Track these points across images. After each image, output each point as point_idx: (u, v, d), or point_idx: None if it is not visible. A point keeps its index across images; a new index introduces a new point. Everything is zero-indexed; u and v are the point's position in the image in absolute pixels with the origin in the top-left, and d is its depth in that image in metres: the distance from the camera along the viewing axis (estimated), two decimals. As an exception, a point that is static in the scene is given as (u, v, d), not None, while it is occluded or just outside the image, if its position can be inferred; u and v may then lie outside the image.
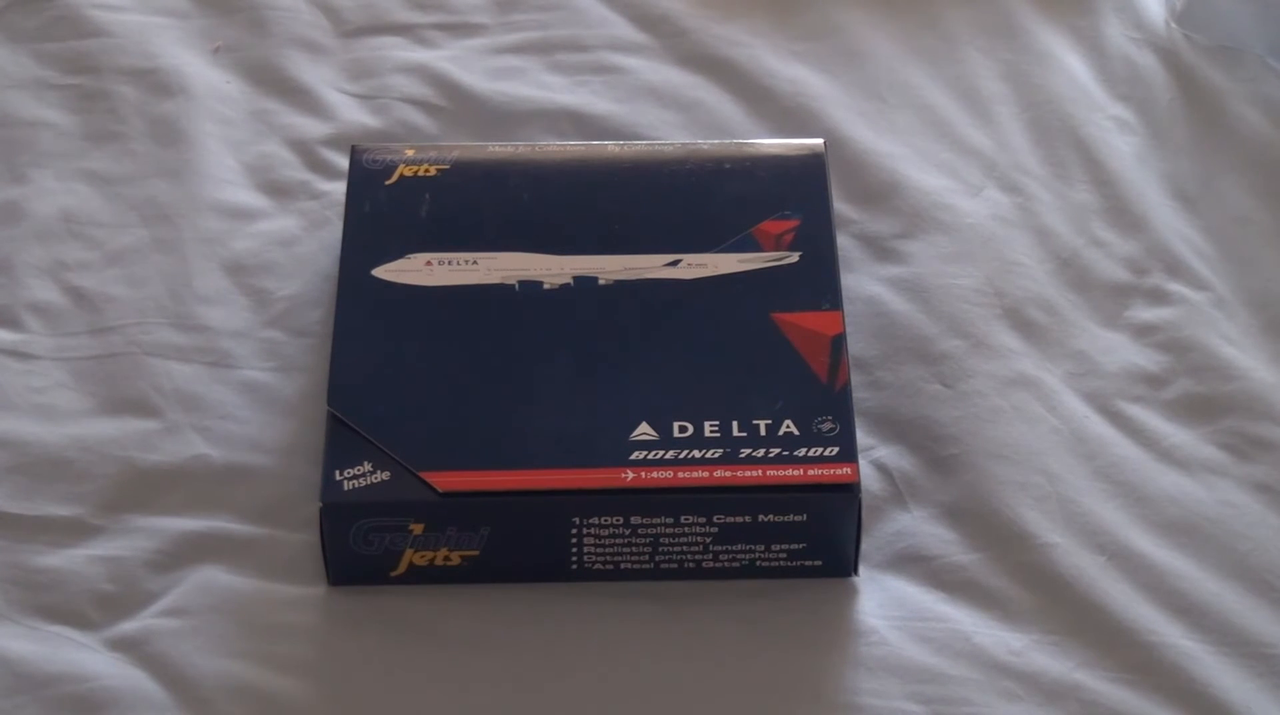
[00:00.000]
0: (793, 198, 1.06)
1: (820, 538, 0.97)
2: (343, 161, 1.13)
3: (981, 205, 1.13)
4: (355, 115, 1.18)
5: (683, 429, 0.97)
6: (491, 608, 0.97)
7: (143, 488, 1.01)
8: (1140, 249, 1.12)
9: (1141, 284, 1.10)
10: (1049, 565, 0.98)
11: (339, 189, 1.12)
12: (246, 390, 1.05)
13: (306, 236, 1.12)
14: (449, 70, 1.20)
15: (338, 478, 0.95)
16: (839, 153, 1.15)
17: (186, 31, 1.22)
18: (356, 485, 0.95)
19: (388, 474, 0.95)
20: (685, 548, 0.97)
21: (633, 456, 0.96)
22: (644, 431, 0.97)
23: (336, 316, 1.01)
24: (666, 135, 1.16)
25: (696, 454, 0.96)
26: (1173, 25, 1.22)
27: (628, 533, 0.96)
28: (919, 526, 1.00)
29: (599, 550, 0.97)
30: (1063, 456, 1.02)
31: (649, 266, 1.03)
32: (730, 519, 0.96)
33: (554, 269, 1.03)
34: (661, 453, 0.96)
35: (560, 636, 0.96)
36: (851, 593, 0.98)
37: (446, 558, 0.96)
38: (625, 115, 1.18)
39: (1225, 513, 1.00)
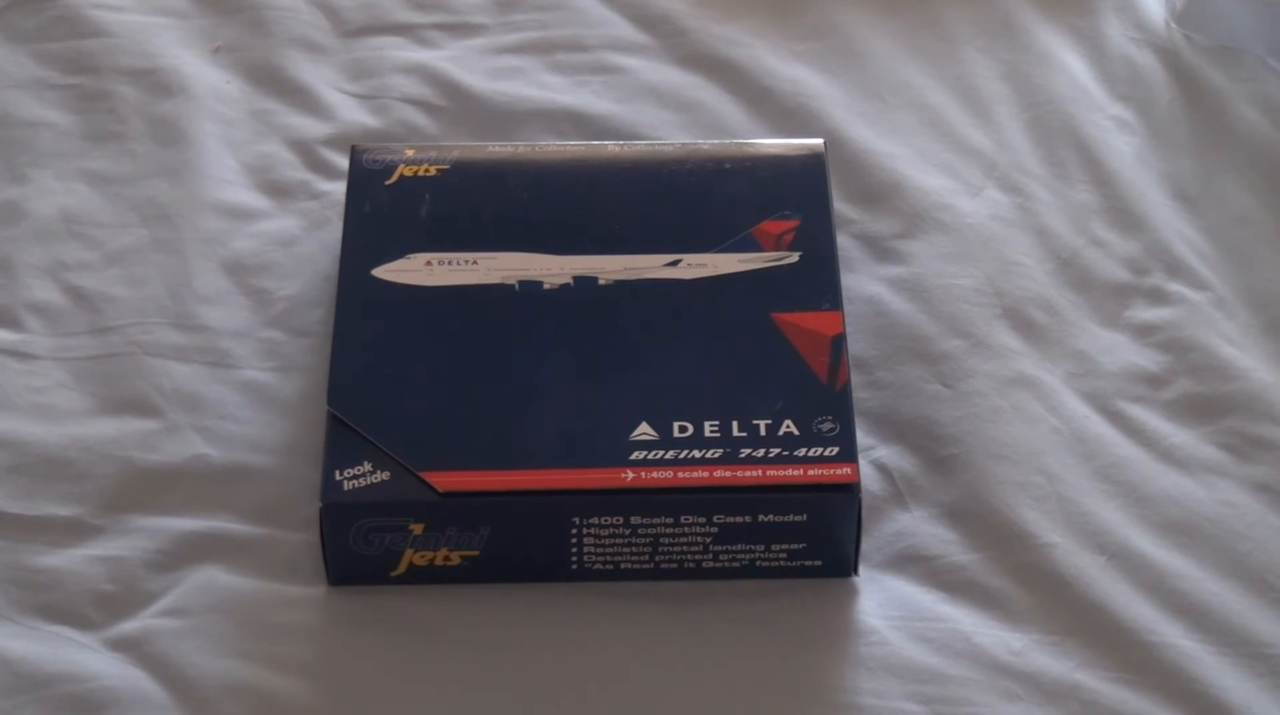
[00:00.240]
0: (793, 198, 1.06)
1: (820, 538, 0.97)
2: (343, 161, 1.13)
3: (981, 205, 1.13)
4: (355, 115, 1.18)
5: (683, 429, 0.97)
6: (491, 608, 0.97)
7: (143, 488, 1.01)
8: (1140, 249, 1.12)
9: (1141, 284, 1.10)
10: (1049, 565, 0.98)
11: (339, 189, 1.12)
12: (246, 390, 1.05)
13: (306, 236, 1.12)
14: (449, 70, 1.20)
15: (338, 478, 0.95)
16: (839, 153, 1.15)
17: (186, 31, 1.22)
18: (356, 485, 0.95)
19: (388, 474, 0.95)
20: (685, 548, 0.97)
21: (633, 456, 0.96)
22: (644, 431, 0.97)
23: (336, 316, 1.01)
24: (666, 135, 1.16)
25: (696, 454, 0.96)
26: (1173, 25, 1.22)
27: (628, 533, 0.96)
28: (919, 526, 1.00)
29: (599, 550, 0.97)
30: (1063, 456, 1.02)
31: (649, 266, 1.03)
32: (730, 519, 0.96)
33: (554, 269, 1.03)
34: (661, 453, 0.96)
35: (560, 636, 0.96)
36: (851, 593, 0.98)
37: (446, 558, 0.96)
38: (625, 115, 1.18)
39: (1225, 513, 1.00)
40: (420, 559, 0.96)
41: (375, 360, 1.00)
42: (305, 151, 1.16)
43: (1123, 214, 1.13)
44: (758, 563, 0.97)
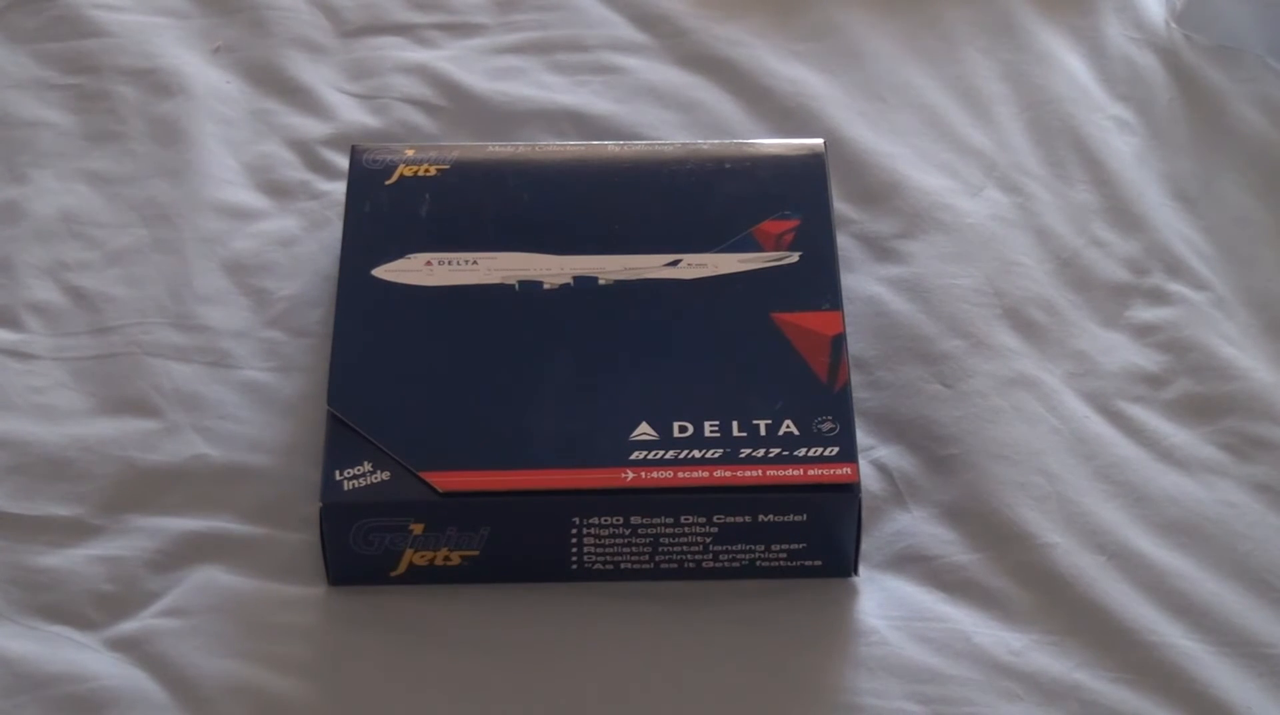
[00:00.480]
0: (793, 198, 1.06)
1: (820, 538, 0.97)
2: (343, 161, 1.13)
3: (981, 205, 1.13)
4: (355, 115, 1.18)
5: (683, 429, 0.97)
6: (491, 608, 0.97)
7: (143, 488, 1.01)
8: (1140, 249, 1.12)
9: (1141, 284, 1.10)
10: (1049, 565, 0.98)
11: (339, 189, 1.12)
12: (246, 390, 1.05)
13: (306, 236, 1.12)
14: (449, 70, 1.20)
15: (338, 478, 0.95)
16: (839, 153, 1.15)
17: (186, 31, 1.22)
18: (356, 485, 0.95)
19: (388, 474, 0.95)
20: (685, 548, 0.97)
21: (633, 456, 0.96)
22: (644, 431, 0.97)
23: (336, 316, 1.01)
24: (666, 135, 1.16)
25: (696, 454, 0.96)
26: (1173, 25, 1.22)
27: (628, 533, 0.96)
28: (919, 526, 1.00)
29: (599, 550, 0.97)
30: (1063, 456, 1.02)
31: (649, 266, 1.03)
32: (730, 519, 0.96)
33: (554, 269, 1.03)
34: (661, 453, 0.96)
35: (560, 636, 0.96)
36: (851, 593, 0.98)
37: (446, 558, 0.96)
38: (625, 115, 1.18)
39: (1225, 513, 1.00)
40: (420, 559, 0.96)
41: (375, 360, 1.00)
42: (305, 151, 1.16)
43: (1123, 214, 1.13)
44: (758, 563, 0.97)
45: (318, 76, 1.20)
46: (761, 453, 0.96)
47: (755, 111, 1.18)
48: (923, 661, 0.95)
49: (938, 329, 1.07)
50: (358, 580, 0.97)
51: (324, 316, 1.07)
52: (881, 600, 0.97)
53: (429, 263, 1.03)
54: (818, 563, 0.98)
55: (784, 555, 0.97)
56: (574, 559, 0.97)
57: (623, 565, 0.97)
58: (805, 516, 0.96)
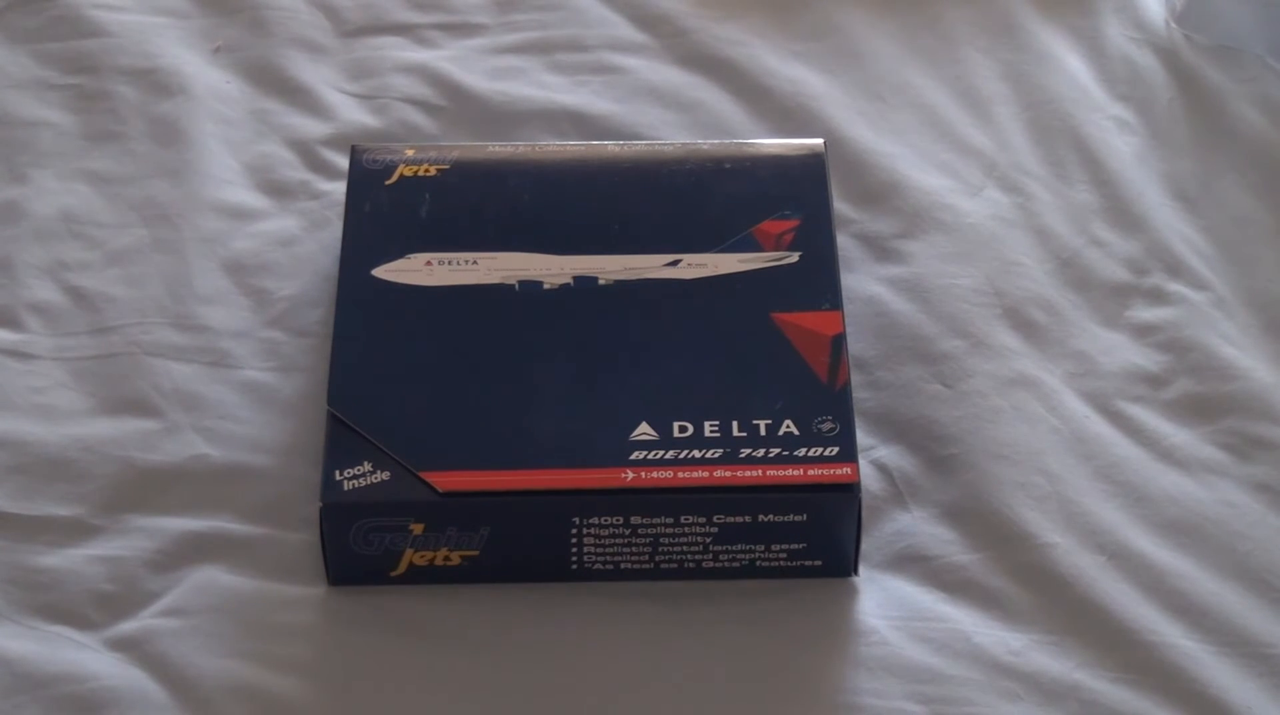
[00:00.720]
0: (793, 198, 1.06)
1: (820, 538, 0.97)
2: (343, 161, 1.13)
3: (981, 205, 1.13)
4: (355, 115, 1.18)
5: (683, 429, 0.97)
6: (491, 608, 0.97)
7: (143, 488, 1.01)
8: (1140, 249, 1.12)
9: (1141, 284, 1.10)
10: (1049, 565, 0.98)
11: (339, 189, 1.12)
12: (246, 390, 1.05)
13: (306, 236, 1.12)
14: (449, 70, 1.20)
15: (338, 478, 0.95)
16: (839, 153, 1.15)
17: (186, 31, 1.22)
18: (356, 485, 0.95)
19: (388, 474, 0.95)
20: (685, 548, 0.97)
21: (633, 456, 0.96)
22: (644, 431, 0.97)
23: (336, 316, 1.01)
24: (666, 135, 1.16)
25: (696, 454, 0.96)
26: (1173, 25, 1.22)
27: (628, 533, 0.96)
28: (919, 526, 1.00)
29: (599, 550, 0.97)
30: (1063, 456, 1.02)
31: (649, 266, 1.03)
32: (730, 519, 0.96)
33: (554, 269, 1.03)
34: (661, 453, 0.96)
35: (560, 636, 0.96)
36: (851, 593, 0.98)
37: (446, 558, 0.96)
38: (625, 115, 1.18)
39: (1225, 513, 1.00)
40: (420, 559, 0.96)
41: (375, 360, 1.00)
42: (305, 151, 1.16)
43: (1123, 214, 1.13)
44: (758, 563, 0.97)
45: (318, 76, 1.20)
46: (761, 453, 0.96)
47: (755, 111, 1.18)
48: (923, 661, 0.95)
49: (938, 329, 1.07)
50: (358, 580, 0.97)
51: (324, 316, 1.07)
52: (881, 600, 0.97)
53: (429, 263, 1.03)
54: (818, 563, 0.98)
55: (784, 555, 0.97)
56: (574, 559, 0.97)
57: (623, 565, 0.97)
58: (805, 516, 0.96)
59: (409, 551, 0.96)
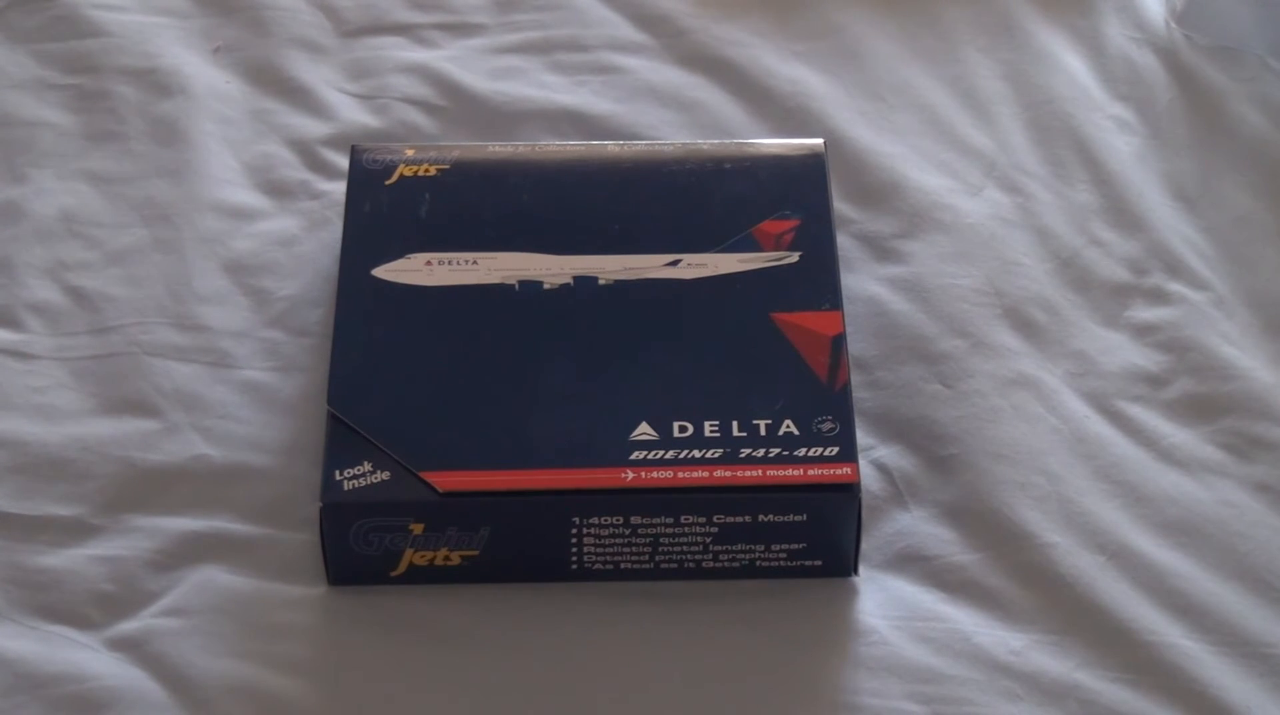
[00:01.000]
0: (793, 198, 1.06)
1: (820, 538, 0.97)
2: (343, 161, 1.13)
3: (981, 205, 1.13)
4: (355, 115, 1.18)
5: (683, 429, 0.97)
6: (491, 608, 0.97)
7: (143, 488, 1.01)
8: (1140, 249, 1.12)
9: (1141, 284, 1.10)
10: (1049, 565, 0.98)
11: (339, 189, 1.12)
12: (246, 390, 1.05)
13: (306, 236, 1.12)
14: (449, 70, 1.20)
15: (338, 478, 0.95)
16: (839, 153, 1.15)
17: (186, 31, 1.22)
18: (356, 485, 0.95)
19: (388, 474, 0.95)
20: (685, 548, 0.97)
21: (633, 456, 0.96)
22: (644, 431, 0.97)
23: (336, 316, 1.01)
24: (666, 135, 1.16)
25: (696, 454, 0.96)
26: (1173, 25, 1.22)
27: (628, 533, 0.96)
28: (919, 526, 1.00)
29: (599, 550, 0.97)
30: (1063, 456, 1.02)
31: (649, 266, 1.03)
32: (730, 519, 0.96)
33: (554, 269, 1.03)
34: (661, 453, 0.96)
35: (560, 636, 0.96)
36: (851, 593, 0.98)
37: (446, 558, 0.96)
38: (625, 115, 1.18)
39: (1225, 513, 1.00)
40: (420, 559, 0.97)
41: (375, 360, 1.00)
42: (305, 151, 1.16)
43: (1123, 214, 1.13)
44: (758, 563, 0.97)
45: (318, 76, 1.20)
46: (761, 453, 0.96)
47: (755, 111, 1.18)
48: (923, 661, 0.95)
49: (938, 329, 1.07)
50: (358, 580, 0.97)
51: (324, 316, 1.07)
52: (881, 600, 0.97)
53: (429, 263, 1.03)
54: (818, 563, 0.98)
55: (784, 555, 0.97)
56: (574, 559, 0.97)
57: (623, 565, 0.97)
58: (805, 516, 0.96)
59: (409, 551, 0.96)
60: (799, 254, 1.04)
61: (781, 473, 0.96)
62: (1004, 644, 0.96)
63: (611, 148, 1.10)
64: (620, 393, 0.98)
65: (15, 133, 1.16)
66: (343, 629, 0.96)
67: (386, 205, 1.06)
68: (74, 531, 0.99)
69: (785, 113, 1.18)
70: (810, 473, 0.96)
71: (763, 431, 0.97)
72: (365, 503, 0.95)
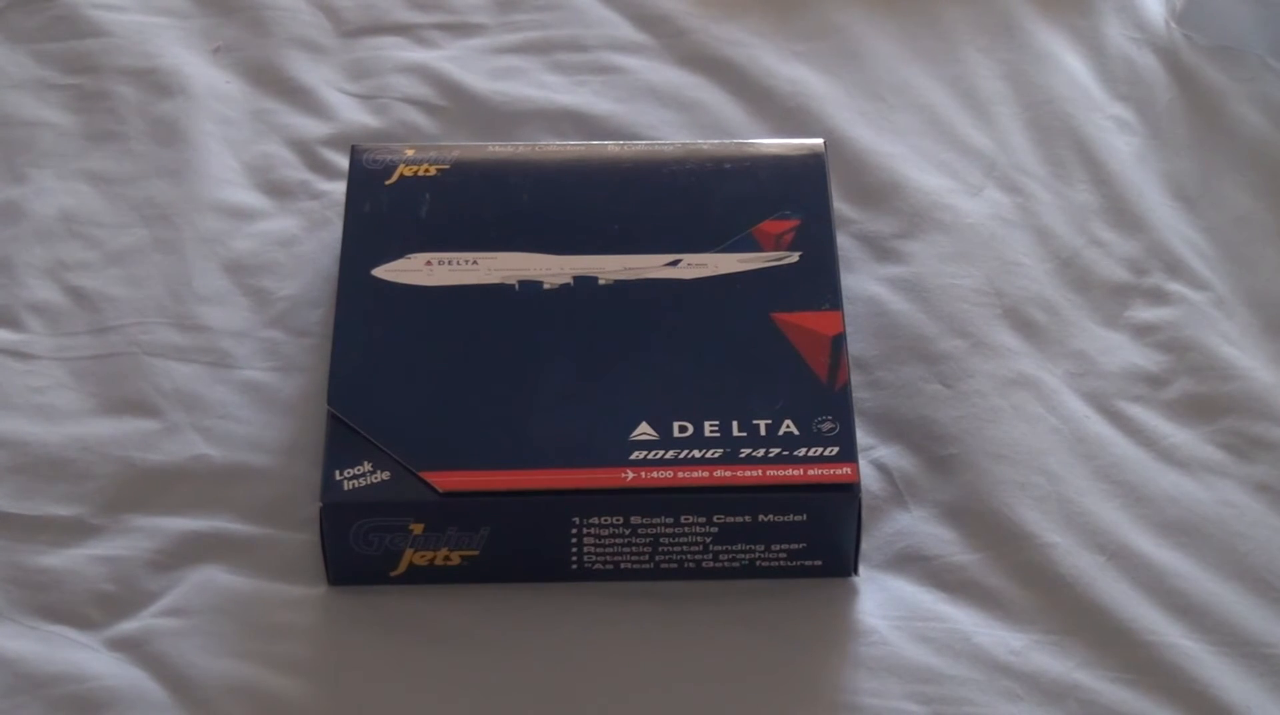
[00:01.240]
0: (793, 198, 1.06)
1: (820, 538, 0.97)
2: (343, 161, 1.13)
3: (981, 205, 1.13)
4: (355, 115, 1.18)
5: (683, 429, 0.97)
6: (491, 608, 0.97)
7: (143, 488, 1.01)
8: (1140, 249, 1.12)
9: (1141, 284, 1.10)
10: (1049, 565, 0.98)
11: (339, 189, 1.12)
12: (246, 390, 1.05)
13: (306, 236, 1.12)
14: (449, 70, 1.20)
15: (338, 478, 0.95)
16: (839, 153, 1.15)
17: (186, 31, 1.22)
18: (356, 485, 0.95)
19: (388, 474, 0.95)
20: (685, 548, 0.97)
21: (633, 456, 0.96)
22: (644, 431, 0.97)
23: (336, 316, 1.01)
24: (666, 135, 1.16)
25: (696, 454, 0.96)
26: (1173, 25, 1.22)
27: (628, 533, 0.96)
28: (919, 526, 1.00)
29: (599, 550, 0.97)
30: (1063, 456, 1.02)
31: (649, 266, 1.03)
32: (730, 519, 0.96)
33: (554, 269, 1.03)
34: (661, 453, 0.96)
35: (560, 636, 0.96)
36: (851, 593, 0.98)
37: (446, 558, 0.96)
38: (625, 115, 1.18)
39: (1225, 513, 1.00)
40: (420, 559, 0.97)
41: (375, 360, 1.00)
42: (305, 151, 1.16)
43: (1123, 214, 1.13)
44: (758, 563, 0.97)
45: (318, 76, 1.20)
46: (761, 453, 0.96)
47: (755, 111, 1.18)
48: (923, 661, 0.95)
49: (938, 329, 1.07)
50: (358, 580, 0.97)
51: (324, 316, 1.07)
52: (881, 600, 0.97)
53: (429, 263, 1.03)
54: (818, 563, 0.98)
55: (784, 555, 0.97)
56: (574, 559, 0.97)
57: (623, 565, 0.97)
58: (805, 516, 0.96)
59: (409, 551, 0.96)
60: (799, 254, 1.04)
61: (781, 473, 0.96)
62: (1004, 644, 0.96)
63: (611, 148, 1.10)
64: (620, 393, 0.98)
65: (15, 133, 1.16)
66: (343, 629, 0.96)
67: (386, 205, 1.06)
68: (74, 531, 0.99)
69: (785, 113, 1.18)
70: (810, 473, 0.96)
71: (763, 431, 0.97)
72: (365, 503, 0.95)
